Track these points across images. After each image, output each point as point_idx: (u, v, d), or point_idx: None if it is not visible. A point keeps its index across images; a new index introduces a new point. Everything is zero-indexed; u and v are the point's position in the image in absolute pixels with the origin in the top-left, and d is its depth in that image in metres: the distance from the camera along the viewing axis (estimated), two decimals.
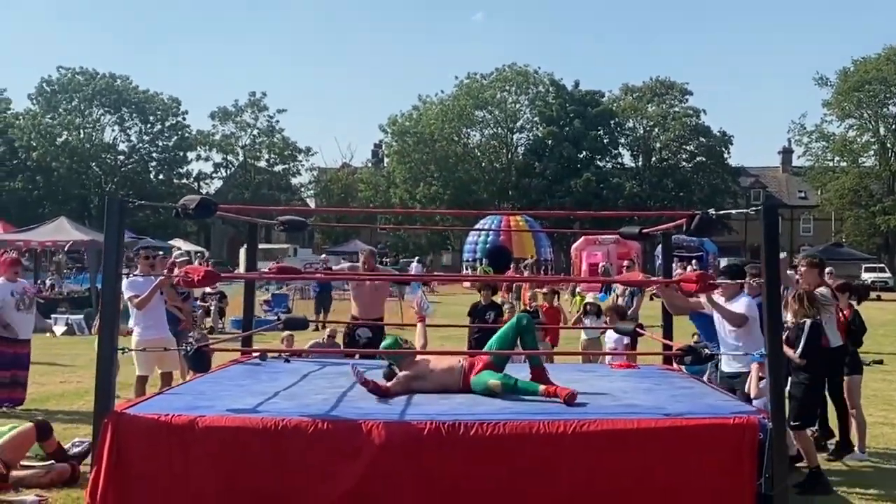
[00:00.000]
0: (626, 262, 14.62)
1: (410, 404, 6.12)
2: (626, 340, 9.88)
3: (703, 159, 62.60)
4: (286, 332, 10.21)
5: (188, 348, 6.07)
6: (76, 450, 7.64)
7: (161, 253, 10.99)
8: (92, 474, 5.61)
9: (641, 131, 64.45)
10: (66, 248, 22.22)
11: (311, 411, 5.70)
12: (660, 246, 37.63)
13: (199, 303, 14.66)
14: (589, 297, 12.18)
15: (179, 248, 23.89)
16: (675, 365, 8.49)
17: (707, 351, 6.14)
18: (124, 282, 8.20)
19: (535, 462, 5.37)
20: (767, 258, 5.64)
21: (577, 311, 13.02)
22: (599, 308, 11.54)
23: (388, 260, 54.36)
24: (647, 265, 42.81)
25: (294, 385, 6.95)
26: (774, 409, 5.48)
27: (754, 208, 5.82)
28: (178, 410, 5.69)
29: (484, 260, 32.52)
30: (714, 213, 5.97)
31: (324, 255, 32.98)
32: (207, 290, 17.89)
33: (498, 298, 12.56)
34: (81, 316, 18.88)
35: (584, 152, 61.66)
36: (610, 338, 10.18)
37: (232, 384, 6.97)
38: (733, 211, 6.37)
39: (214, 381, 7.08)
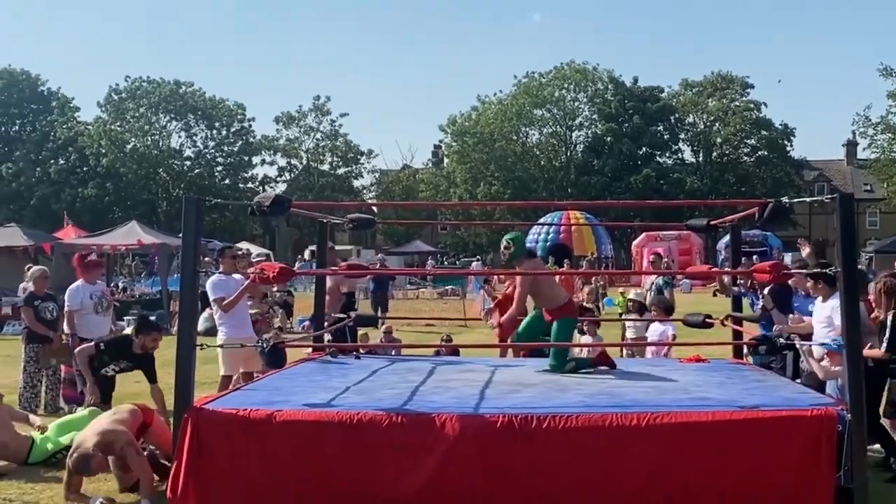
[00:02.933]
0: (651, 257, 14.26)
1: (483, 398, 6.17)
2: (671, 333, 9.82)
3: (766, 153, 61.57)
4: (360, 331, 10.35)
5: (264, 345, 6.18)
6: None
7: (242, 251, 11.10)
8: (172, 468, 5.75)
9: (702, 126, 63.59)
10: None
11: (384, 405, 5.77)
12: (722, 240, 37.37)
13: (276, 307, 14.79)
14: (631, 294, 12.03)
15: (250, 251, 24.28)
16: (745, 359, 8.43)
17: (782, 341, 6.06)
18: (209, 282, 8.35)
19: (609, 455, 5.36)
20: (844, 249, 5.53)
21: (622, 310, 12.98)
22: (642, 304, 11.43)
23: (448, 260, 54.52)
24: (708, 259, 42.23)
25: (366, 380, 7.04)
26: (853, 400, 5.39)
27: (829, 197, 5.67)
28: (255, 405, 5.81)
29: (550, 258, 32.45)
30: (788, 201, 5.81)
31: (380, 255, 33.08)
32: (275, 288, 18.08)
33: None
34: (153, 318, 19.23)
35: (644, 148, 61.06)
36: (655, 331, 10.09)
37: (305, 380, 7.09)
38: (808, 199, 6.18)
39: (288, 378, 7.21)
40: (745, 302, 8.70)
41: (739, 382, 6.85)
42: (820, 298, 6.83)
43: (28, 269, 11.39)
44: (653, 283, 12.10)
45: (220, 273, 8.47)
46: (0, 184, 60.29)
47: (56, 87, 64.96)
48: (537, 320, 7.62)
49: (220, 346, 7.21)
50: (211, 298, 8.32)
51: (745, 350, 8.39)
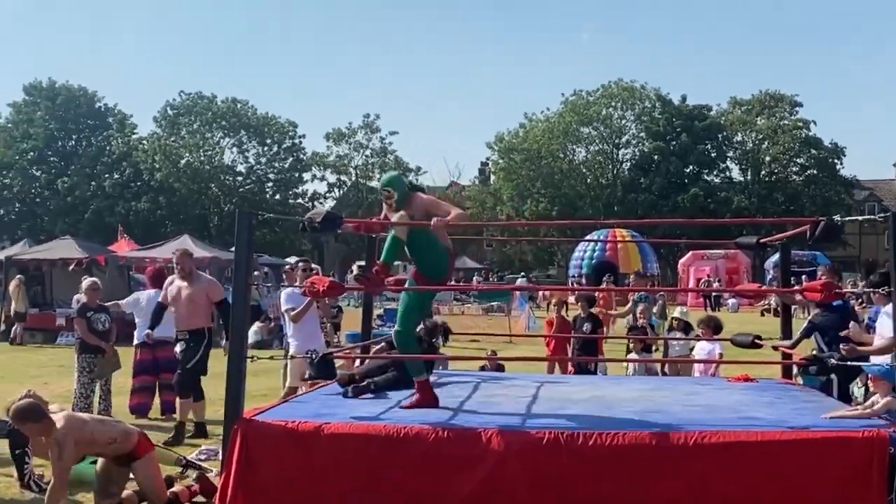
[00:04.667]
0: (632, 276, 14.35)
1: (529, 414, 6.17)
2: (718, 352, 9.78)
3: (815, 172, 60.99)
4: None
5: (314, 356, 6.25)
6: (202, 457, 7.97)
7: (315, 268, 11.24)
8: (221, 480, 5.81)
9: (750, 145, 63.15)
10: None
11: (431, 420, 5.79)
12: (770, 259, 36.86)
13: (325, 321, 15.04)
14: (676, 313, 11.97)
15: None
16: (794, 379, 8.33)
17: (833, 361, 5.96)
18: (283, 294, 8.55)
19: (655, 474, 5.32)
20: None
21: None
22: (687, 323, 11.37)
23: (493, 276, 54.45)
24: (756, 278, 41.81)
25: (413, 394, 7.06)
26: None
27: (882, 216, 5.59)
28: (303, 418, 5.86)
29: (608, 276, 32.34)
30: (840, 219, 5.72)
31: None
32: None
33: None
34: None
35: (692, 167, 60.83)
36: (702, 350, 10.09)
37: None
38: (860, 218, 6.09)
39: (337, 390, 7.26)
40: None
41: (789, 402, 6.77)
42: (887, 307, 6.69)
43: (84, 280, 11.73)
44: (632, 300, 12.14)
45: (295, 286, 8.70)
46: (56, 197, 61.67)
47: (112, 104, 66.47)
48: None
49: (270, 358, 7.30)
50: (283, 309, 8.52)
51: (795, 370, 8.29)
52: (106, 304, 10.52)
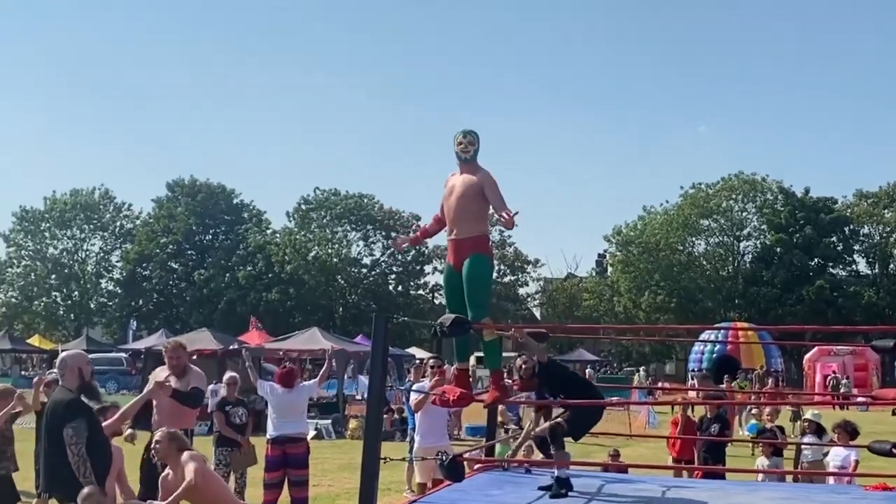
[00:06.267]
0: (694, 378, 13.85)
1: None
2: (854, 458, 9.47)
3: None
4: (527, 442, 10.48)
5: (443, 458, 6.45)
6: None
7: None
8: None
9: (878, 238, 61.18)
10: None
11: None
12: None
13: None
14: (808, 415, 11.57)
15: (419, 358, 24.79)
16: None
17: None
18: (416, 386, 8.88)
19: None
20: None
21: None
22: (819, 426, 11.03)
23: (606, 368, 53.69)
24: (885, 377, 40.05)
25: (540, 498, 7.16)
26: None
27: None
28: None
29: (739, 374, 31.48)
30: None
31: None
32: None
33: None
34: (329, 421, 19.91)
35: (816, 260, 59.24)
36: (837, 456, 9.79)
37: (479, 494, 7.26)
38: None
39: (463, 491, 7.42)
40: None
41: None
42: None
43: (226, 374, 12.36)
44: None
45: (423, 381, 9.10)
46: (192, 289, 64.70)
47: (249, 200, 69.87)
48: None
49: (402, 459, 7.57)
50: (412, 400, 8.84)
51: None
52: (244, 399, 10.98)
